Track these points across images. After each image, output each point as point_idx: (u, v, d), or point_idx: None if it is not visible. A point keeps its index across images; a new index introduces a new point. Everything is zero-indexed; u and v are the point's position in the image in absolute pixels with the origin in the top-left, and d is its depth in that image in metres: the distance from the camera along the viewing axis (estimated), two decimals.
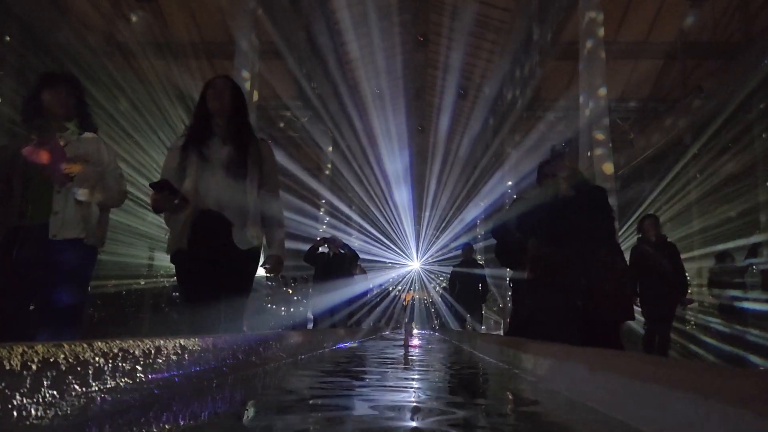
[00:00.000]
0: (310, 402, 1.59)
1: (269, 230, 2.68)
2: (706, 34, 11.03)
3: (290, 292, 11.15)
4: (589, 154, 8.36)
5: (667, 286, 5.27)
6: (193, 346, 1.56)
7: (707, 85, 10.18)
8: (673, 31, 11.30)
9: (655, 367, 1.17)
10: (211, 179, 2.48)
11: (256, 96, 10.56)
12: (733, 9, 10.55)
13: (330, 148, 16.05)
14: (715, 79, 10.28)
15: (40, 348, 0.96)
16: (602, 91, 8.39)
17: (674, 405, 0.98)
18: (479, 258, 10.80)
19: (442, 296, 15.89)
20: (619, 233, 8.29)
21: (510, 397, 1.87)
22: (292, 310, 10.85)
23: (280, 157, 12.62)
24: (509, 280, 3.87)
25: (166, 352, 1.39)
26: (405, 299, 19.14)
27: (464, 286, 8.74)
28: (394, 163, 19.00)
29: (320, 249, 7.85)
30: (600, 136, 8.26)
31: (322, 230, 14.97)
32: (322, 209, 16.00)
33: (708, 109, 9.70)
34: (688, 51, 11.59)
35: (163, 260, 6.63)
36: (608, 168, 8.27)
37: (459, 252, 10.02)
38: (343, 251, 7.90)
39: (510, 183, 14.44)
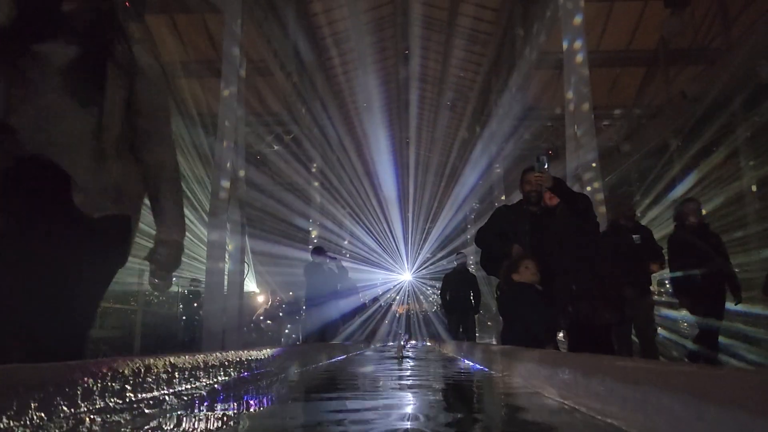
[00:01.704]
0: None
1: (154, 190, 1.60)
2: (687, 40, 11.21)
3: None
4: (575, 162, 8.40)
5: (715, 278, 4.66)
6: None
7: (690, 90, 10.31)
8: (655, 38, 11.49)
9: (647, 370, 1.17)
10: (36, 99, 1.40)
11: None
12: (713, 14, 10.74)
13: (316, 165, 15.89)
14: (698, 84, 10.42)
15: (27, 369, 0.94)
16: (587, 100, 8.45)
17: (667, 407, 0.98)
18: (472, 267, 10.78)
19: (436, 308, 15.88)
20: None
21: (498, 401, 1.86)
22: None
23: (267, 175, 12.62)
24: (496, 288, 3.83)
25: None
26: (398, 311, 19.05)
27: (456, 296, 8.71)
28: (382, 174, 19.04)
29: (318, 260, 7.70)
30: (586, 143, 8.31)
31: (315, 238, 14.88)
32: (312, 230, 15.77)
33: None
34: (670, 57, 11.78)
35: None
36: (595, 175, 8.30)
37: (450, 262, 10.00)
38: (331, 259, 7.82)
39: (498, 190, 14.43)
